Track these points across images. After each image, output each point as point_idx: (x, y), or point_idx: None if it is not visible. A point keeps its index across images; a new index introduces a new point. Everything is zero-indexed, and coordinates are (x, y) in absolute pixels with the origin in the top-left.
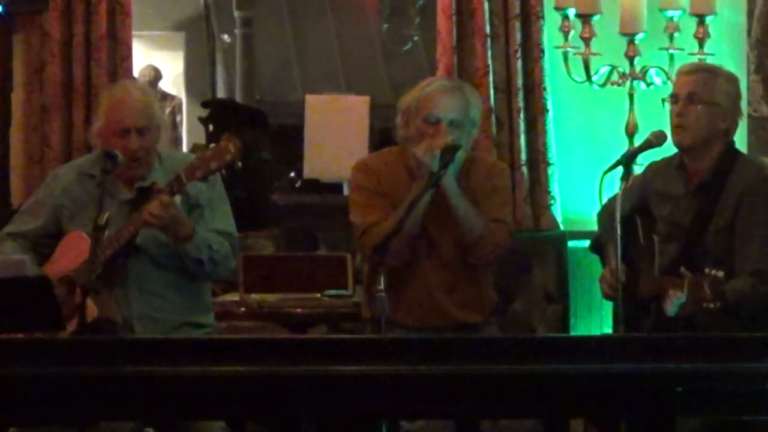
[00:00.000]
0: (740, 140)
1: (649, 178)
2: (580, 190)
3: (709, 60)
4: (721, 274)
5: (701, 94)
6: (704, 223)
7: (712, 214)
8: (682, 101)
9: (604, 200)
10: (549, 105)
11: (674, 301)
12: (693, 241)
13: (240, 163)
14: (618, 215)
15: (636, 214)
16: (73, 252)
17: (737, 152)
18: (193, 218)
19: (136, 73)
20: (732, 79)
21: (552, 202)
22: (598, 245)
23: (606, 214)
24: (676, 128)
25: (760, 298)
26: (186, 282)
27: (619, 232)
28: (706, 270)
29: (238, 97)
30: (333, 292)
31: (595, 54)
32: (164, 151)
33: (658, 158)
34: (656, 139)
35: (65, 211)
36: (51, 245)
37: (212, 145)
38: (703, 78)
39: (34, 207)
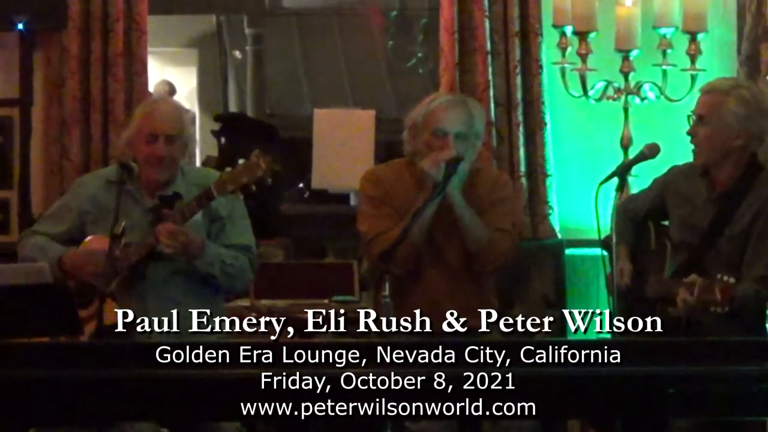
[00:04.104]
0: None
1: (671, 180)
2: (577, 200)
3: (701, 75)
4: (732, 280)
5: (708, 116)
6: (720, 228)
7: (730, 221)
8: (693, 122)
9: (615, 202)
10: (547, 119)
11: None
12: (707, 243)
13: (270, 180)
14: (615, 225)
15: (650, 220)
16: (98, 244)
17: (760, 165)
18: (214, 230)
19: (150, 88)
20: (743, 99)
21: (550, 211)
22: (607, 244)
23: (621, 215)
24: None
25: (762, 303)
26: (203, 291)
27: (615, 239)
28: (719, 276)
29: (249, 111)
30: (340, 297)
31: (591, 70)
32: (185, 166)
33: (681, 163)
34: (649, 152)
35: (90, 216)
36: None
37: (242, 161)
38: (711, 100)
39: (60, 211)
